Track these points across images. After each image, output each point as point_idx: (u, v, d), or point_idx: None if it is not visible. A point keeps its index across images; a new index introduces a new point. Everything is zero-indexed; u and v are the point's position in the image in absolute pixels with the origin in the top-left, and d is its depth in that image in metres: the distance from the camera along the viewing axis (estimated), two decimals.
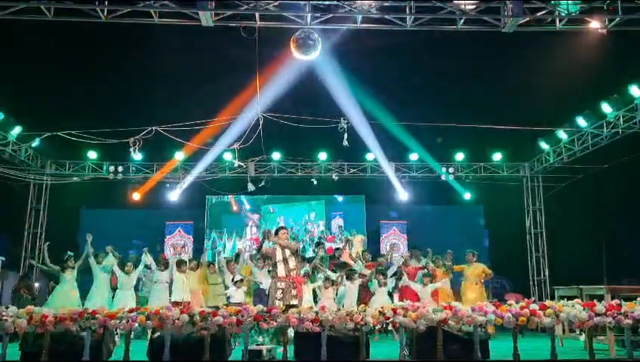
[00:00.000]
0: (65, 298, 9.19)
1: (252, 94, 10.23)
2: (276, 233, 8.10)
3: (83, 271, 9.98)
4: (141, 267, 9.81)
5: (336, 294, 9.55)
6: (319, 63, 9.84)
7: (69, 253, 9.93)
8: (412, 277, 10.24)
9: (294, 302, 7.50)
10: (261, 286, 9.59)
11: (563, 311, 6.68)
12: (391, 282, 10.38)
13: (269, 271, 8.90)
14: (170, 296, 9.51)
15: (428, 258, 10.71)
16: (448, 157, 14.79)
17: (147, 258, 9.85)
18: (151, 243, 10.72)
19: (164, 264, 9.79)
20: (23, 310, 6.53)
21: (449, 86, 12.46)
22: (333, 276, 9.59)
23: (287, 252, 7.81)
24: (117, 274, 9.72)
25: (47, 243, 10.00)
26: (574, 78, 10.80)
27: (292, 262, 7.78)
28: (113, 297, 9.69)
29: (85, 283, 9.96)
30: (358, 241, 12.68)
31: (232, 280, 9.70)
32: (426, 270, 10.33)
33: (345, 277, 9.67)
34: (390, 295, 10.16)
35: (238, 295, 9.45)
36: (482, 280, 10.46)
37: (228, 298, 9.54)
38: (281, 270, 7.77)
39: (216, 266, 10.28)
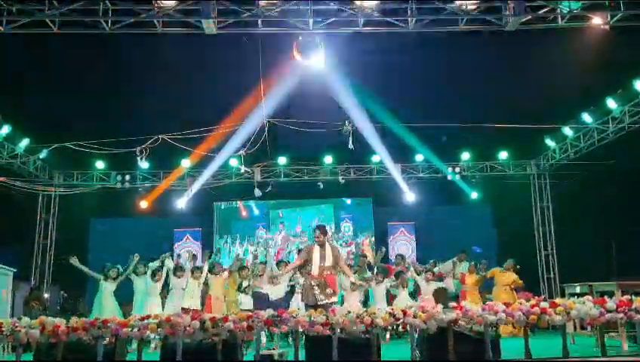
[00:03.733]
0: (103, 307, 9.32)
1: (257, 100, 10.29)
2: (313, 232, 8.04)
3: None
4: (164, 273, 9.86)
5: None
6: (322, 67, 9.85)
7: (117, 265, 10.06)
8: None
9: (334, 299, 7.41)
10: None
11: (574, 309, 6.66)
12: (412, 284, 10.48)
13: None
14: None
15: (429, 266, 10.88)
16: (454, 157, 14.77)
17: (170, 262, 9.94)
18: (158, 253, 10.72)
19: (180, 271, 9.83)
20: (36, 320, 6.58)
21: (453, 86, 12.46)
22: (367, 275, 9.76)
23: (328, 251, 7.65)
24: (148, 282, 9.76)
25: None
26: (578, 74, 10.78)
27: (328, 261, 7.59)
28: None
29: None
30: (366, 245, 12.76)
31: (240, 286, 9.72)
32: (428, 266, 10.53)
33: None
34: (412, 296, 10.24)
35: (246, 301, 9.47)
36: (512, 287, 10.58)
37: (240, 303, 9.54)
38: (315, 268, 7.56)
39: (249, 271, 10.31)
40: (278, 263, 10.55)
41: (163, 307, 9.52)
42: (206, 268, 9.92)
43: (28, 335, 6.42)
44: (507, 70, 11.80)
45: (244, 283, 9.65)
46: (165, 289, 10.02)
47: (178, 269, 9.84)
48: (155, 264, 9.97)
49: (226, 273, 10.31)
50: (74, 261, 9.85)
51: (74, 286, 13.59)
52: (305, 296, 7.62)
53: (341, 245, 15.19)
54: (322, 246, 7.67)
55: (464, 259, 11.17)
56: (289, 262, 10.46)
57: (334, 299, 7.43)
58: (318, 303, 7.25)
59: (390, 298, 10.11)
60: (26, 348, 6.76)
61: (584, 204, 13.69)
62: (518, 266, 10.88)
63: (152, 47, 10.02)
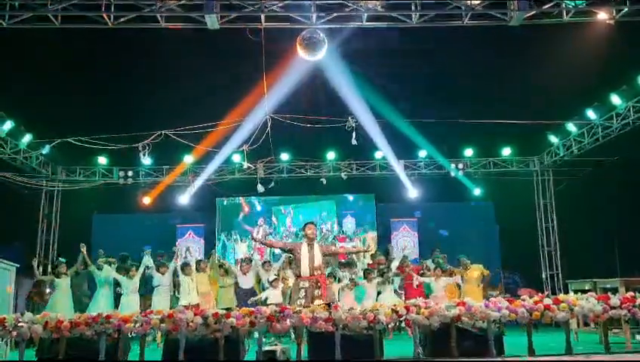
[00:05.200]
0: (57, 306, 9.16)
1: (260, 96, 10.26)
2: (303, 229, 7.80)
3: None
4: (142, 269, 9.78)
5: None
6: (326, 63, 9.83)
7: (60, 259, 9.98)
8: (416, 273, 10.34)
9: (319, 302, 7.02)
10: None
11: (577, 305, 6.65)
12: (397, 280, 10.44)
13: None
14: (176, 299, 9.58)
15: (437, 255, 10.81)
16: (457, 153, 14.74)
17: (149, 260, 9.85)
18: (157, 250, 10.72)
19: (163, 268, 9.77)
20: (39, 316, 6.59)
21: (457, 82, 12.40)
22: (341, 275, 9.70)
23: (316, 249, 7.43)
24: (118, 280, 9.66)
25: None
26: (583, 70, 10.71)
27: (317, 261, 7.37)
28: (117, 304, 9.67)
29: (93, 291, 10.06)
30: (370, 239, 12.73)
31: (268, 280, 9.68)
32: (435, 263, 10.45)
33: (363, 276, 9.78)
34: (396, 293, 10.21)
35: (274, 295, 9.32)
36: (482, 283, 10.43)
37: (265, 299, 9.46)
38: (304, 268, 7.33)
39: (209, 266, 10.25)
40: (263, 263, 10.50)
41: (141, 305, 9.38)
42: (193, 266, 9.92)
43: (31, 331, 6.43)
44: (511, 66, 11.74)
45: (271, 278, 9.61)
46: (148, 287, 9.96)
47: (161, 266, 9.75)
48: (81, 258, 9.87)
49: (208, 269, 10.26)
50: (33, 262, 9.92)
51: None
52: (291, 298, 7.54)
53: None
54: (311, 244, 7.48)
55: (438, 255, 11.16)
56: (271, 262, 10.52)
57: (319, 302, 7.03)
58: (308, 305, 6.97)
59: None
60: (28, 344, 6.77)
61: (587, 201, 13.64)
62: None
63: (154, 42, 9.99)
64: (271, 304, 7.68)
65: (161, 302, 9.24)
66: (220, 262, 10.76)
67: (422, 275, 10.26)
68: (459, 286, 10.29)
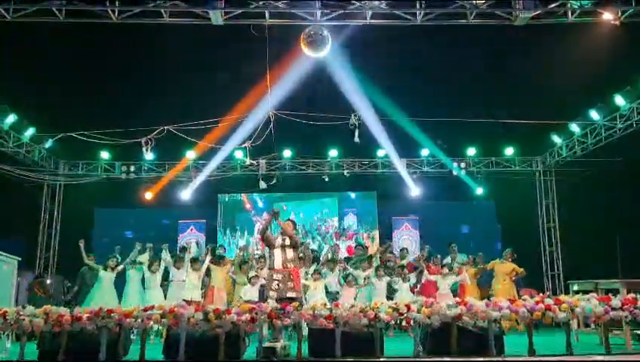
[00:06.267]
0: (102, 298, 9.30)
1: (263, 92, 10.25)
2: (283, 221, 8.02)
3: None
4: (163, 264, 9.89)
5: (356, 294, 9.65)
6: (329, 60, 9.81)
7: (116, 255, 10.14)
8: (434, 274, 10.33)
9: (291, 294, 7.28)
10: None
11: (579, 306, 6.65)
12: (412, 278, 10.44)
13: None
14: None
15: (452, 252, 10.89)
16: (460, 152, 14.72)
17: (167, 255, 9.95)
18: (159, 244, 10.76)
19: (180, 262, 9.84)
20: (41, 309, 6.60)
21: (460, 80, 12.38)
22: (361, 274, 9.75)
23: (287, 241, 7.64)
24: (145, 274, 9.87)
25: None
26: (587, 70, 10.68)
27: (290, 253, 7.59)
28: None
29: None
30: (365, 238, 12.75)
31: (247, 277, 9.71)
32: (446, 261, 10.51)
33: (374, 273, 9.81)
34: (412, 290, 10.19)
35: (251, 292, 9.40)
36: (513, 278, 10.65)
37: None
38: (277, 260, 7.55)
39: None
40: (258, 258, 10.50)
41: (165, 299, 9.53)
42: (207, 260, 9.91)
43: (32, 324, 6.44)
44: (515, 65, 11.72)
45: (251, 274, 9.65)
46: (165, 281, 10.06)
47: (177, 260, 9.83)
48: (135, 254, 9.98)
49: (229, 265, 10.31)
50: (81, 243, 10.04)
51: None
52: (267, 288, 7.63)
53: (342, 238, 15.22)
54: (286, 238, 7.68)
55: (456, 251, 11.22)
56: (265, 258, 10.54)
57: (293, 294, 7.30)
58: (282, 296, 7.21)
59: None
60: (29, 337, 6.78)
61: (589, 201, 13.61)
62: (515, 255, 10.93)
63: (158, 37, 9.99)
64: (248, 301, 7.76)
65: (174, 296, 9.30)
66: (243, 259, 10.78)
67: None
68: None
